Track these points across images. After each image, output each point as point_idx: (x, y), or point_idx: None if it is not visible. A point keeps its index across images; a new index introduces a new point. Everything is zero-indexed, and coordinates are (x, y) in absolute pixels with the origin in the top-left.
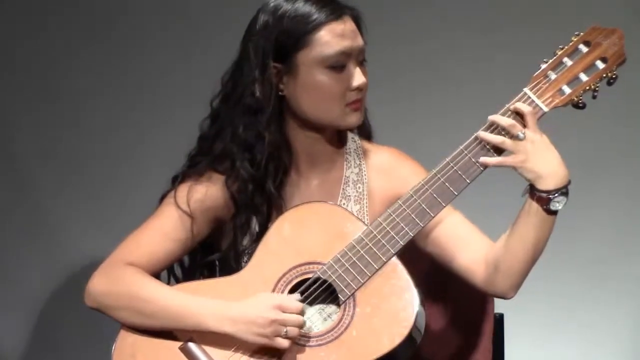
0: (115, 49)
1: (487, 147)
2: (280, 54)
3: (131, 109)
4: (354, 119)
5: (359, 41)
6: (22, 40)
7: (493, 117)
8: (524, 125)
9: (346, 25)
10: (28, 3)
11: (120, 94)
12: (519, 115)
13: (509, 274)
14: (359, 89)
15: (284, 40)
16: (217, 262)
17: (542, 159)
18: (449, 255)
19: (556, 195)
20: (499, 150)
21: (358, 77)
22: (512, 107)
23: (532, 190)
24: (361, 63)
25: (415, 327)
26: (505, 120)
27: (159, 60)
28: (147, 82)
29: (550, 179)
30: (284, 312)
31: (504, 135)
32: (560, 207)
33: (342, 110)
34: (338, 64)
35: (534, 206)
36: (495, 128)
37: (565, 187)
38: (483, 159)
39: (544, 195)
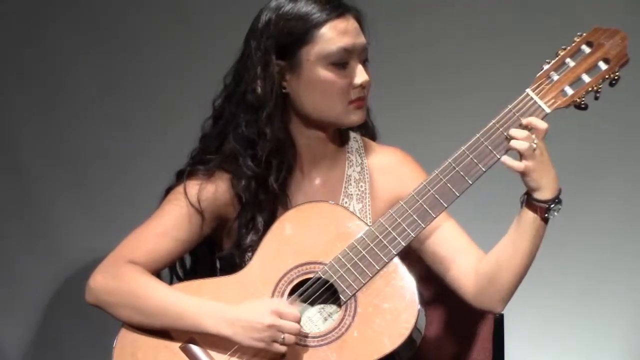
0: (116, 53)
1: (489, 148)
2: (283, 51)
3: (132, 111)
4: (356, 116)
5: (362, 39)
6: (25, 44)
7: (529, 119)
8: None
9: (349, 23)
10: (32, 7)
11: (121, 97)
12: (527, 128)
13: (502, 287)
14: (362, 86)
15: (286, 37)
16: (217, 261)
17: (547, 170)
18: (442, 267)
19: (553, 205)
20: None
21: (361, 75)
22: (525, 122)
23: (531, 201)
24: (364, 62)
25: (415, 328)
26: (542, 124)
27: (161, 63)
28: (148, 85)
29: (550, 190)
30: (281, 318)
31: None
32: (555, 215)
33: (345, 108)
34: (341, 61)
35: (531, 217)
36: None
37: (559, 195)
38: (504, 159)
39: (544, 205)
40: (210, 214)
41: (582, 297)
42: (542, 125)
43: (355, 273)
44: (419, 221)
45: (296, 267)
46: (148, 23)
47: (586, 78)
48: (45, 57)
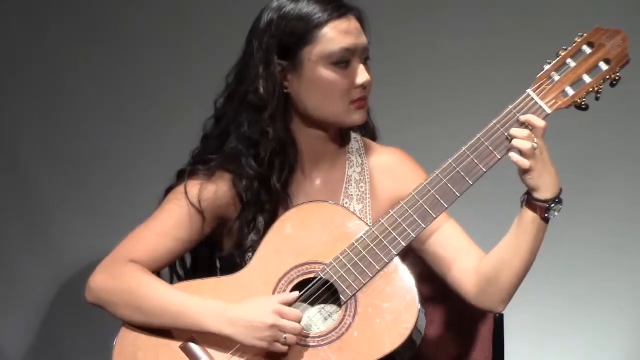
0: (116, 53)
1: (490, 149)
2: (284, 51)
3: (132, 111)
4: (358, 116)
5: (363, 39)
6: (26, 44)
7: (527, 117)
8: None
9: (350, 23)
10: (32, 7)
11: (121, 97)
12: (527, 126)
13: (503, 287)
14: (363, 86)
15: (288, 37)
16: (218, 261)
17: (547, 170)
18: (443, 268)
19: (553, 205)
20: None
21: (362, 75)
22: (522, 119)
23: (531, 201)
24: (365, 61)
25: (416, 328)
26: (540, 122)
27: (161, 63)
28: (148, 85)
29: (550, 189)
30: (283, 317)
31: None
32: (556, 215)
33: (347, 108)
34: (342, 61)
35: (531, 216)
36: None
37: (559, 195)
38: (512, 154)
39: (544, 205)
40: (210, 214)
41: (582, 297)
42: (540, 123)
43: (356, 273)
44: (420, 221)
45: (296, 267)
46: (148, 23)
47: (587, 79)
48: (45, 57)
